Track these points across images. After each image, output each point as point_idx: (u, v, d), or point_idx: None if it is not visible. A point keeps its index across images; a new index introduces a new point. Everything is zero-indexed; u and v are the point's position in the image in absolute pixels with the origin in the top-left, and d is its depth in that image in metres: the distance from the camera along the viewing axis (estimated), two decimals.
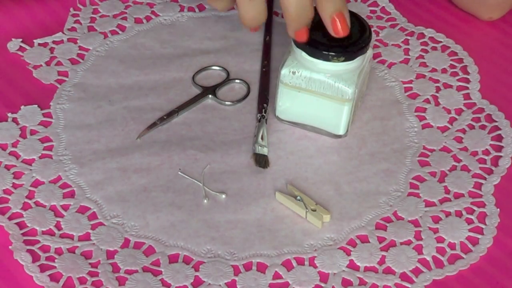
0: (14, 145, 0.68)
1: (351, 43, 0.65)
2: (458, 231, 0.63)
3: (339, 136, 0.69)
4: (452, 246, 0.62)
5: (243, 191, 0.65)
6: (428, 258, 0.61)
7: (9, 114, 0.70)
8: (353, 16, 0.67)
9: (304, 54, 0.66)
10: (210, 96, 0.73)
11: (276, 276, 0.60)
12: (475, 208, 0.65)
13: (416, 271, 0.60)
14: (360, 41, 0.66)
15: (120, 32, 0.78)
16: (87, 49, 0.76)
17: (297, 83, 0.67)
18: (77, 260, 0.60)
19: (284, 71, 0.67)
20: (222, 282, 0.59)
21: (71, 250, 0.61)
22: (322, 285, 0.59)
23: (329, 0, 0.63)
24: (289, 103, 0.69)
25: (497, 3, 0.79)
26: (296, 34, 0.64)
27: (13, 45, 0.76)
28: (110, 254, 0.61)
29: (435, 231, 0.63)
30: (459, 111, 0.73)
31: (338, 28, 0.63)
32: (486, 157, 0.69)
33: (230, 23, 0.80)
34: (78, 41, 0.77)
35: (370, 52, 0.69)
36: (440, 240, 0.63)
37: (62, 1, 0.80)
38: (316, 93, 0.67)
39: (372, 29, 0.80)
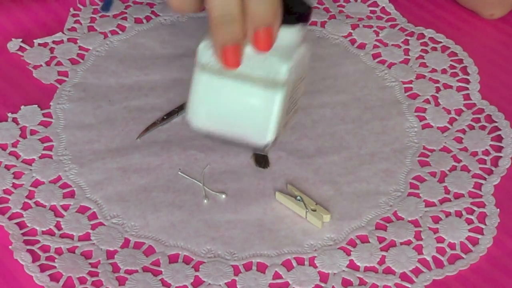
0: (14, 145, 0.68)
1: (287, 7, 0.53)
2: (458, 231, 0.63)
3: (265, 147, 0.55)
4: (452, 246, 0.62)
5: (243, 191, 0.65)
6: (428, 258, 0.61)
7: (9, 114, 0.70)
8: None
9: None
10: None
11: (276, 276, 0.60)
12: (475, 208, 0.65)
13: (416, 271, 0.60)
14: (299, 7, 0.55)
15: (120, 32, 0.78)
16: (87, 49, 0.76)
17: (217, 65, 0.53)
18: (77, 260, 0.60)
19: (203, 46, 0.54)
20: (222, 282, 0.59)
21: (71, 250, 0.61)
22: (322, 285, 0.59)
23: (259, 8, 0.52)
24: (205, 100, 0.55)
25: (500, 1, 0.79)
26: (222, 51, 0.52)
27: (13, 45, 0.76)
28: (110, 254, 0.61)
29: (435, 231, 0.63)
30: (459, 112, 0.73)
31: (261, 44, 0.52)
32: (486, 158, 0.69)
33: None
34: (78, 41, 0.77)
35: (306, 49, 0.56)
36: (440, 240, 0.62)
37: (62, 1, 0.80)
38: (240, 76, 0.53)
39: (372, 29, 0.80)
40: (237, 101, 0.54)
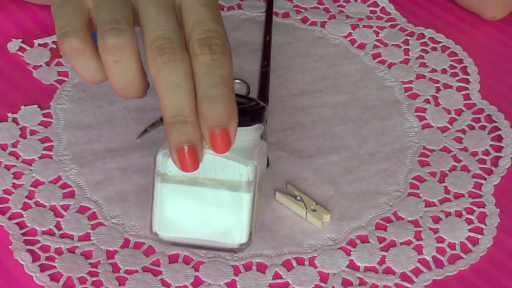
0: (14, 145, 0.68)
1: (244, 108, 0.54)
2: (458, 231, 0.63)
3: (242, 247, 0.55)
4: (452, 246, 0.62)
5: None
6: (428, 258, 0.61)
7: (9, 114, 0.70)
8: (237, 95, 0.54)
9: None
10: None
11: (276, 276, 0.60)
12: (475, 208, 0.65)
13: (416, 271, 0.60)
14: (253, 107, 0.55)
15: None
16: None
17: (179, 172, 0.52)
18: (77, 260, 0.60)
19: (161, 157, 0.53)
20: (222, 282, 0.59)
21: (71, 250, 0.61)
22: (322, 285, 0.59)
23: (212, 109, 0.49)
24: (171, 209, 0.54)
25: (501, 1, 0.79)
26: (178, 153, 0.50)
27: (13, 45, 0.76)
28: (110, 254, 0.60)
29: (435, 231, 0.63)
30: (459, 112, 0.73)
31: (217, 145, 0.50)
32: (486, 158, 0.69)
33: (230, 23, 0.80)
34: None
35: (264, 146, 0.57)
36: (440, 240, 0.62)
37: None
38: (205, 181, 0.53)
39: (372, 29, 0.80)
40: (205, 207, 0.54)
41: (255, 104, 0.56)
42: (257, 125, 0.55)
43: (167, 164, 0.53)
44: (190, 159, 0.50)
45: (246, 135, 0.54)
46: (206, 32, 0.51)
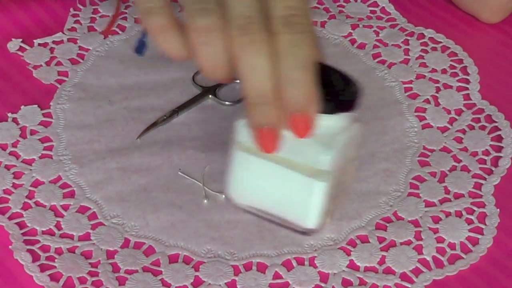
0: (14, 145, 0.68)
1: (333, 93, 0.50)
2: (458, 231, 0.63)
3: (310, 231, 0.54)
4: (452, 246, 0.62)
5: None
6: (428, 258, 0.61)
7: (9, 114, 0.70)
8: (337, 73, 0.52)
9: None
10: (210, 96, 0.73)
11: (276, 276, 0.60)
12: (475, 208, 0.65)
13: (416, 271, 0.61)
14: (344, 93, 0.51)
15: (120, 32, 0.78)
16: (87, 49, 0.76)
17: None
18: (77, 260, 0.60)
19: (240, 124, 0.52)
20: (222, 282, 0.59)
21: (71, 250, 0.61)
22: (322, 285, 0.59)
23: (291, 93, 0.48)
24: (244, 178, 0.54)
25: (499, 7, 0.79)
26: (258, 133, 0.49)
27: (13, 45, 0.76)
28: (110, 254, 0.61)
29: (435, 231, 0.63)
30: (459, 112, 0.73)
31: (298, 129, 0.49)
32: (486, 158, 0.69)
33: None
34: (78, 41, 0.77)
35: (356, 130, 0.53)
36: (440, 240, 0.63)
37: (62, 1, 0.80)
38: (280, 159, 0.51)
39: (372, 29, 0.80)
40: (277, 183, 0.52)
41: (345, 89, 0.51)
42: (344, 113, 0.52)
43: (244, 134, 0.51)
44: (270, 141, 0.49)
45: (333, 122, 0.51)
46: (288, 9, 0.49)
